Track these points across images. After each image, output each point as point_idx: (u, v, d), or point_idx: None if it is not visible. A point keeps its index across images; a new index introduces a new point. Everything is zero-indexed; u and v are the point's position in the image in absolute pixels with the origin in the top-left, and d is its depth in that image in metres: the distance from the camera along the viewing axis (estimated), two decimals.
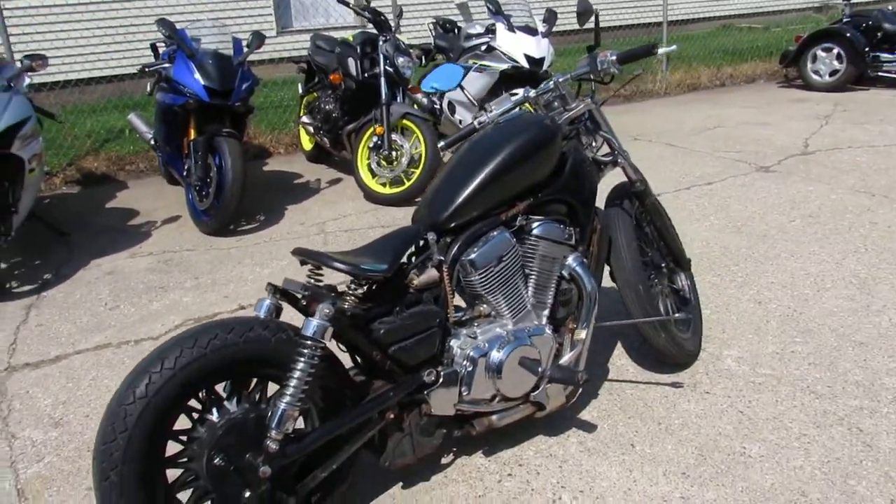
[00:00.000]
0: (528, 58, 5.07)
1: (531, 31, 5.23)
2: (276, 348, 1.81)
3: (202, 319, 3.36)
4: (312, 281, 1.96)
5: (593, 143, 2.51)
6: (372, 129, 4.88)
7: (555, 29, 5.56)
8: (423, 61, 6.51)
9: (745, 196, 4.66)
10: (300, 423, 1.89)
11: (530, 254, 2.24)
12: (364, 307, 1.95)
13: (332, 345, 1.91)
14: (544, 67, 5.14)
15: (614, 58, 2.33)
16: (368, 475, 2.17)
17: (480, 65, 5.22)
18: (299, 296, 1.88)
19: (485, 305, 2.18)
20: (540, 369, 2.18)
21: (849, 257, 3.62)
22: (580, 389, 2.33)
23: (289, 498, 1.85)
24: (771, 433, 2.32)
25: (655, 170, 5.37)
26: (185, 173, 4.61)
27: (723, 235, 4.02)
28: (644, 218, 2.68)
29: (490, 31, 5.31)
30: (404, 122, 4.84)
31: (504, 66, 5.10)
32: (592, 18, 2.82)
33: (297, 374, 1.76)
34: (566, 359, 2.29)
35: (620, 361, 2.80)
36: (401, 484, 2.18)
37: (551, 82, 2.39)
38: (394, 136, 4.86)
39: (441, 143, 2.47)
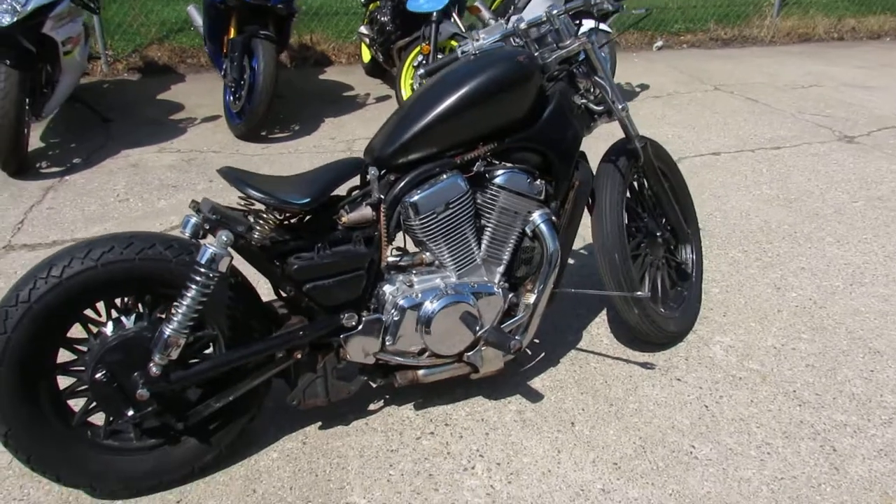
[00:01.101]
0: None
1: None
2: (176, 270, 1.72)
3: None
4: (242, 203, 1.85)
5: (592, 89, 2.23)
6: (419, 48, 4.64)
7: None
8: None
9: (813, 167, 4.18)
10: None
11: (489, 204, 2.03)
12: (279, 239, 1.83)
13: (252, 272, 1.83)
14: None
15: None
16: (286, 409, 2.09)
17: None
18: (212, 217, 1.77)
19: (428, 253, 2.02)
20: (477, 329, 2.02)
21: None
22: (528, 358, 2.16)
23: (178, 423, 1.80)
24: (730, 436, 2.09)
25: (724, 125, 4.91)
26: (223, 73, 4.55)
27: (768, 208, 3.63)
28: (640, 180, 2.40)
29: None
30: (452, 42, 4.57)
31: None
32: None
33: (186, 300, 1.67)
34: (511, 322, 2.11)
35: (597, 330, 2.59)
36: (318, 424, 2.10)
37: (543, 13, 2.10)
38: (440, 57, 4.59)
39: (420, 71, 2.26)
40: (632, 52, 7.08)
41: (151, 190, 3.72)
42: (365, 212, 1.91)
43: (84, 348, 1.76)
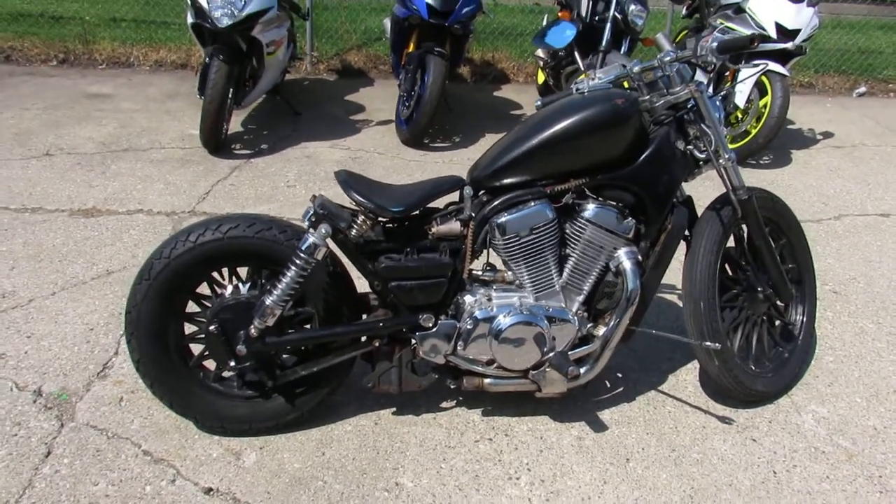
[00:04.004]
0: (779, 27, 4.46)
1: None
2: (283, 252, 2.02)
3: None
4: (353, 204, 2.12)
5: (702, 136, 2.25)
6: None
7: None
8: (686, 11, 6.03)
9: None
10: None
11: (575, 236, 2.15)
12: (374, 239, 2.08)
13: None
14: (798, 41, 4.49)
15: (714, 45, 2.04)
16: (370, 393, 2.32)
17: (726, 26, 4.72)
18: (319, 212, 2.04)
19: (510, 272, 2.17)
20: (545, 350, 2.14)
21: None
22: (605, 390, 2.23)
23: (269, 380, 2.11)
24: None
25: None
26: (399, 82, 4.96)
27: None
28: (740, 231, 2.38)
29: None
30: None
31: (747, 33, 4.54)
32: None
33: (286, 279, 1.97)
34: (582, 350, 2.20)
35: (685, 377, 2.58)
36: (392, 410, 2.33)
37: (656, 60, 2.17)
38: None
39: (538, 103, 2.41)
40: (827, 95, 6.62)
41: (316, 180, 4.18)
42: (454, 226, 2.11)
43: (208, 304, 2.13)
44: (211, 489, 2.00)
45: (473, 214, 2.11)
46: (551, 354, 2.14)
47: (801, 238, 2.55)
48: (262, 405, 2.18)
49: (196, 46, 6.36)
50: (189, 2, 4.27)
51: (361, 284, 2.19)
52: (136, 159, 4.30)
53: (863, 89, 6.67)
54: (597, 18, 4.81)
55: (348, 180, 2.06)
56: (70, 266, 3.08)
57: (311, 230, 1.98)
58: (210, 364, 2.18)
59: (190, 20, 4.40)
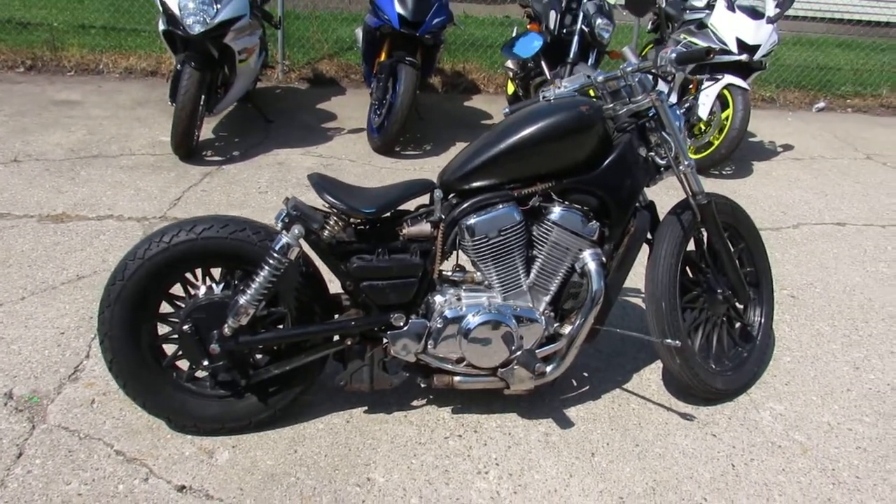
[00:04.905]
0: (740, 42, 4.61)
1: (755, 13, 4.72)
2: (257, 252, 2.06)
3: None
4: (326, 206, 2.17)
5: (663, 143, 2.34)
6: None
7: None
8: (651, 26, 6.20)
9: None
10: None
11: (542, 238, 2.22)
12: (346, 240, 2.13)
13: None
14: (758, 56, 4.65)
15: (673, 56, 2.14)
16: (342, 392, 2.36)
17: (688, 41, 4.87)
18: (292, 213, 2.08)
19: (479, 273, 2.24)
20: (513, 348, 2.20)
21: None
22: (571, 388, 2.30)
23: (241, 379, 2.14)
24: (747, 497, 2.11)
25: (862, 196, 4.68)
26: (370, 91, 5.02)
27: (878, 287, 3.46)
28: (699, 235, 2.47)
29: (710, 6, 4.90)
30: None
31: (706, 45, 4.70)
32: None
33: (259, 278, 2.01)
34: (548, 348, 2.27)
35: (649, 375, 2.66)
36: (364, 408, 2.37)
37: (619, 70, 2.26)
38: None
39: (506, 110, 2.49)
40: (788, 110, 6.83)
41: (288, 186, 4.21)
42: (424, 227, 2.16)
43: (181, 305, 2.15)
44: (184, 487, 2.02)
45: (443, 216, 2.17)
46: (519, 353, 2.20)
47: (758, 242, 2.65)
48: (235, 404, 2.20)
49: (167, 54, 6.38)
50: (161, 9, 4.28)
51: (334, 285, 2.24)
52: (106, 166, 4.29)
53: (822, 104, 6.90)
54: (565, 31, 4.92)
55: (321, 182, 2.11)
56: (40, 271, 3.07)
57: (285, 231, 2.02)
58: (183, 364, 2.20)
59: (162, 27, 4.41)
